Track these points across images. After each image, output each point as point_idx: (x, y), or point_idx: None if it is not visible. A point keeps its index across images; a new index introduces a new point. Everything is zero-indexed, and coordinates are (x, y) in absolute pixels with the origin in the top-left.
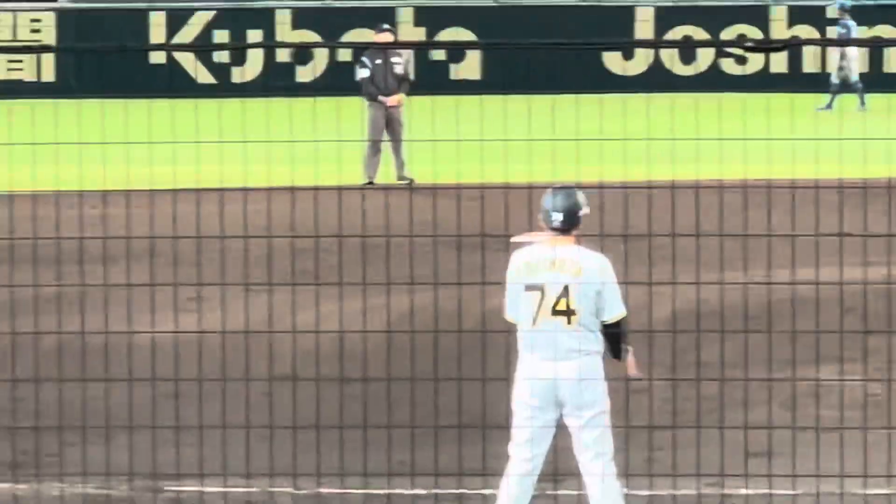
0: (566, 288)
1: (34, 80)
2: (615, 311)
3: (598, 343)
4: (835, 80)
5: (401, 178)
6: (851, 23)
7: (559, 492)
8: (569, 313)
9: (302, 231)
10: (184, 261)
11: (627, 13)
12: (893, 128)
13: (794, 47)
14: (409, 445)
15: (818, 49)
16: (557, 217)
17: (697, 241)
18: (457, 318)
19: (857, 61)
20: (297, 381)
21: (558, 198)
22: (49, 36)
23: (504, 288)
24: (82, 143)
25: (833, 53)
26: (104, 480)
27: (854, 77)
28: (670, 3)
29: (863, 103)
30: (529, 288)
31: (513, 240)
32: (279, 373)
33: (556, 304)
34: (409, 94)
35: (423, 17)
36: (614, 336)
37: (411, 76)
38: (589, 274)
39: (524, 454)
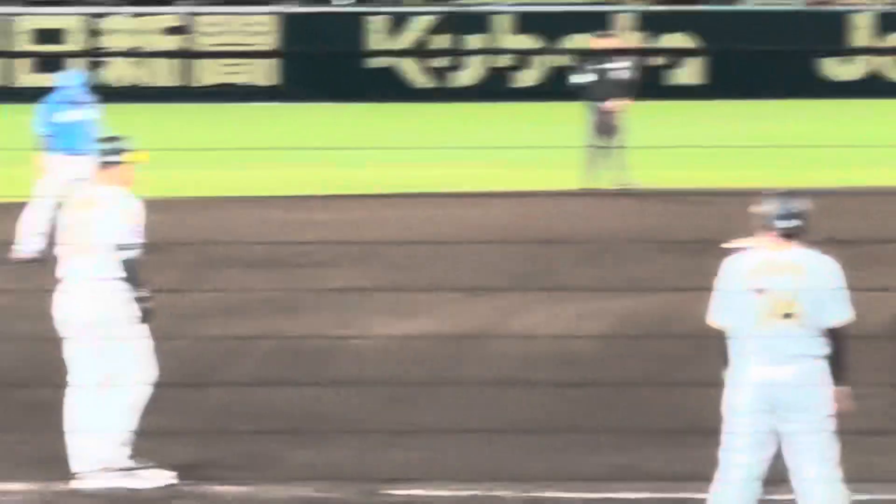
0: (794, 291)
1: (256, 84)
2: (842, 315)
3: (821, 347)
4: None
5: (621, 183)
6: None
7: (772, 497)
8: (796, 316)
9: (523, 236)
10: (403, 265)
11: (846, 20)
12: None
13: None
14: (629, 449)
15: None
16: (784, 222)
17: None
18: (678, 323)
19: None
20: (518, 386)
21: (783, 203)
22: (270, 40)
23: (715, 293)
24: (303, 148)
25: None
26: (324, 484)
27: None
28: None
29: None
30: (755, 291)
31: (728, 245)
32: (500, 376)
33: (784, 306)
34: (630, 99)
35: (644, 22)
36: (838, 353)
37: (632, 81)
38: (816, 277)
39: (739, 460)
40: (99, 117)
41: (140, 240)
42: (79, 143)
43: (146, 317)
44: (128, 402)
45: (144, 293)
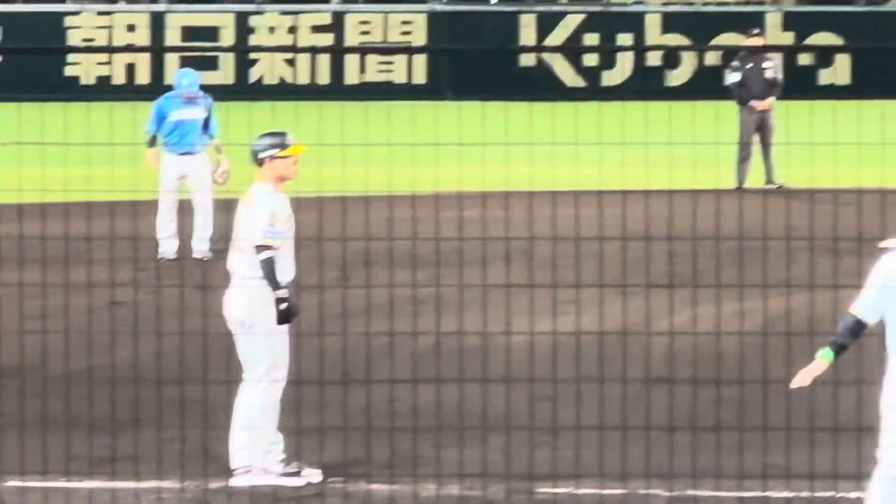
0: None
1: (405, 81)
2: None
3: None
4: None
5: (769, 181)
6: None
7: None
8: None
9: (678, 234)
10: (560, 263)
11: None
12: None
13: None
14: (784, 448)
15: None
16: None
17: None
18: (826, 322)
19: None
20: (674, 383)
21: None
22: (420, 38)
23: (864, 288)
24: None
25: None
26: (479, 481)
27: None
28: None
29: None
30: None
31: (883, 245)
32: (655, 374)
33: None
34: (778, 98)
35: (792, 21)
36: None
37: (780, 80)
38: None
39: (892, 458)
40: (212, 116)
41: (280, 239)
42: (191, 142)
43: (283, 318)
44: (269, 400)
45: (282, 294)
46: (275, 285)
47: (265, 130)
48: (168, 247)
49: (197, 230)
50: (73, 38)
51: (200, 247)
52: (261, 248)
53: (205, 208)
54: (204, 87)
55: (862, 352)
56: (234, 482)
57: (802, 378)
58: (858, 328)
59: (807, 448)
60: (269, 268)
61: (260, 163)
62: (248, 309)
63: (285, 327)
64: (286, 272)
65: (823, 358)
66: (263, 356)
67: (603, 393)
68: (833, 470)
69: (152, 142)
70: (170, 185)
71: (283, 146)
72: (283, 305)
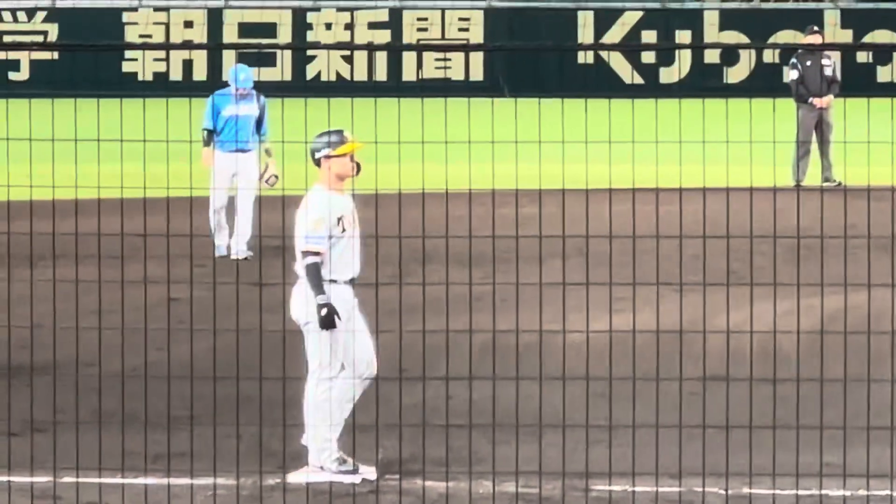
0: None
1: (462, 79)
2: None
3: None
4: None
5: (827, 179)
6: None
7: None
8: None
9: (735, 231)
10: (617, 261)
11: None
12: None
13: None
14: (840, 446)
15: None
16: None
17: None
18: (889, 320)
19: None
20: (730, 381)
21: None
22: (477, 34)
23: None
24: (513, 142)
25: None
26: (535, 479)
27: None
28: None
29: None
30: None
31: None
32: (711, 373)
33: None
34: (836, 95)
35: (850, 18)
36: None
37: (839, 78)
38: None
39: None
40: (265, 115)
41: (322, 245)
42: (244, 139)
43: (325, 324)
44: (321, 397)
45: (323, 300)
46: (317, 290)
47: (321, 128)
48: (223, 243)
49: (238, 230)
50: (131, 35)
51: (239, 247)
52: (304, 253)
53: (247, 209)
54: (261, 84)
55: None
56: (290, 478)
57: None
58: None
59: (863, 446)
60: (311, 273)
61: (317, 163)
62: (301, 307)
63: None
64: (346, 270)
65: None
66: (314, 354)
67: (659, 391)
68: (889, 468)
69: (208, 140)
70: (223, 183)
71: (338, 144)
72: (325, 311)
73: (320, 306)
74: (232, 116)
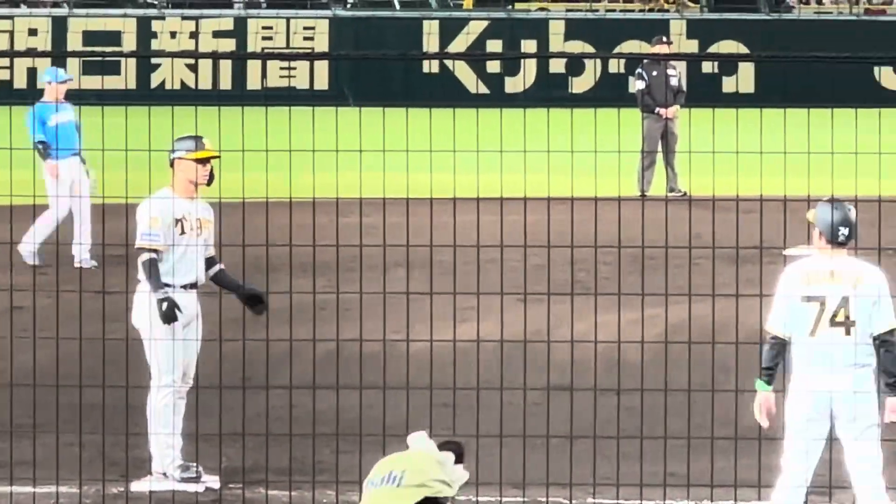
0: (845, 299)
1: (307, 87)
2: (887, 322)
3: (872, 356)
4: None
5: (672, 189)
6: None
7: None
8: (847, 325)
9: (580, 241)
10: (461, 270)
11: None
12: None
13: None
14: (684, 456)
15: None
16: (842, 231)
17: None
18: (733, 330)
19: None
20: (574, 391)
21: (839, 212)
22: (322, 44)
23: (772, 301)
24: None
25: None
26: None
27: None
28: None
29: None
30: (808, 299)
31: (786, 252)
32: (555, 383)
33: (836, 315)
34: (681, 106)
35: (696, 29)
36: (887, 362)
37: (685, 88)
38: (867, 286)
39: (797, 466)
40: (78, 119)
41: (160, 240)
42: (72, 145)
43: (166, 318)
44: (158, 405)
45: (160, 295)
46: (155, 286)
47: (169, 136)
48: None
49: (82, 239)
50: None
51: (83, 256)
52: (139, 249)
53: (87, 217)
54: (106, 93)
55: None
56: (133, 487)
57: (762, 419)
58: (782, 346)
59: (707, 456)
60: (146, 269)
61: (171, 164)
62: (144, 315)
63: (170, 332)
64: (187, 275)
65: (762, 389)
66: (152, 361)
67: (503, 400)
68: (733, 478)
69: (45, 151)
70: (66, 191)
71: (192, 150)
72: (165, 305)
73: (160, 301)
74: (58, 124)
